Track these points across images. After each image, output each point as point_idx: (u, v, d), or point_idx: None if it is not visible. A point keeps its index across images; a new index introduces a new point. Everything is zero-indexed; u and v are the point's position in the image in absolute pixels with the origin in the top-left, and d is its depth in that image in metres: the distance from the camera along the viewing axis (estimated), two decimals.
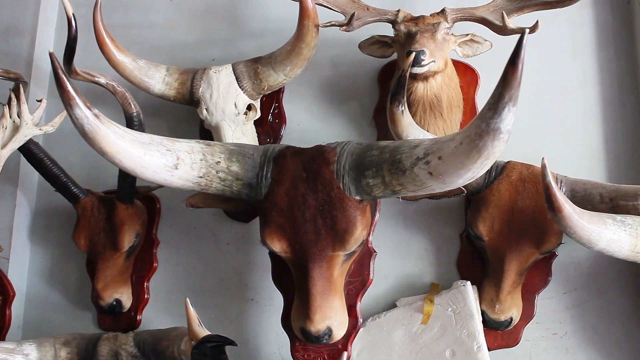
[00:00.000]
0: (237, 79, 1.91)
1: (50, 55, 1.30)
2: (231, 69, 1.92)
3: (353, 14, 1.68)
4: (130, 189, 1.94)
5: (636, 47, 1.88)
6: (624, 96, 1.90)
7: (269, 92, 1.94)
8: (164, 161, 1.46)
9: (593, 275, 1.82)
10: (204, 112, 1.92)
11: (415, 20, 1.75)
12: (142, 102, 2.03)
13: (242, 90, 1.91)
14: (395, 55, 1.88)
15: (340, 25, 1.74)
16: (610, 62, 1.93)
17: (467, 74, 1.94)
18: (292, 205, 1.51)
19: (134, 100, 1.87)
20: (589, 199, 1.63)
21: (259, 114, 1.99)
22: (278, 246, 1.55)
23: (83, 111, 1.31)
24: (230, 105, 1.90)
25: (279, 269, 1.74)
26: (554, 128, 1.96)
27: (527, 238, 1.68)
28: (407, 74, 1.51)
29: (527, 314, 1.81)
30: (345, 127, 2.07)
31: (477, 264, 1.85)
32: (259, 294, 2.02)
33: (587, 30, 1.99)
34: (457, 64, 1.91)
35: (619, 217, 1.50)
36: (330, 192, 1.49)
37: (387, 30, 1.85)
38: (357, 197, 1.48)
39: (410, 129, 1.60)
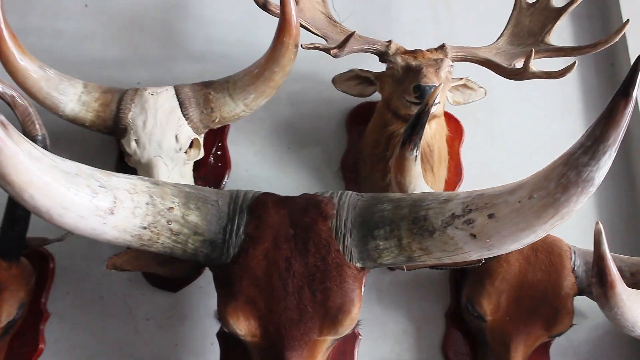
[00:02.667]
0: (180, 105, 1.49)
1: None
2: (173, 91, 1.50)
3: (351, 35, 1.36)
4: (19, 241, 1.39)
5: None
6: (613, 164, 1.76)
7: (219, 125, 1.54)
8: (96, 202, 1.02)
9: None
10: (133, 144, 1.46)
11: (413, 54, 1.49)
12: None
13: (186, 119, 1.49)
14: (375, 96, 1.60)
15: (328, 49, 1.40)
16: None
17: (450, 125, 1.69)
18: (270, 273, 1.11)
19: (40, 120, 1.37)
20: None
21: (202, 154, 1.58)
22: (244, 327, 1.12)
23: None
24: (169, 137, 1.47)
25: (235, 357, 1.29)
26: None
27: (537, 318, 1.41)
28: (431, 109, 1.20)
29: None
30: (305, 178, 1.71)
31: (467, 349, 1.54)
32: None
33: (575, 90, 1.86)
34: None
35: None
36: (326, 256, 1.11)
37: (360, 65, 1.60)
38: (359, 264, 1.13)
39: (419, 182, 1.28)
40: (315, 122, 1.78)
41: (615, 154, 0.89)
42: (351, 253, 1.11)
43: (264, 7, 1.45)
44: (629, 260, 1.44)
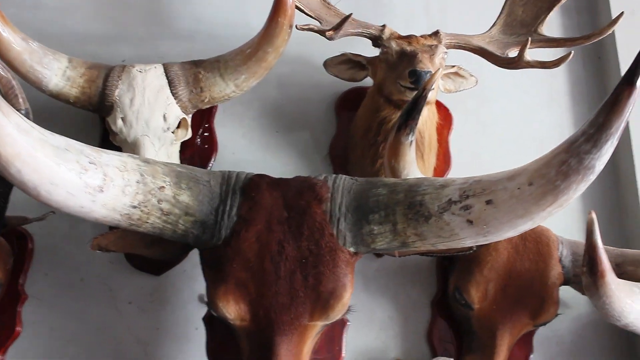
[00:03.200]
0: (170, 83, 1.45)
1: None
2: (162, 69, 1.46)
3: (347, 16, 1.34)
4: None
5: None
6: None
7: (208, 106, 1.50)
8: (86, 179, 0.99)
9: (575, 351, 1.62)
10: (119, 122, 1.42)
11: (407, 39, 1.47)
12: None
13: (175, 98, 1.45)
14: (365, 81, 1.58)
15: (323, 31, 1.38)
16: (584, 116, 1.82)
17: (440, 113, 1.68)
18: (262, 256, 1.09)
19: (23, 93, 1.31)
20: None
21: (190, 134, 1.54)
22: (234, 311, 1.09)
23: None
24: (157, 116, 1.43)
25: (222, 342, 1.27)
26: None
27: (524, 307, 1.42)
28: (428, 94, 1.19)
29: None
30: (293, 162, 1.69)
31: (452, 337, 1.55)
32: None
33: (563, 81, 1.87)
34: None
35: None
36: (319, 240, 1.09)
37: (350, 49, 1.58)
38: (352, 249, 1.11)
39: (413, 168, 1.27)
40: (304, 105, 1.75)
41: (617, 142, 0.90)
42: (345, 237, 1.10)
43: None
44: (614, 252, 1.45)
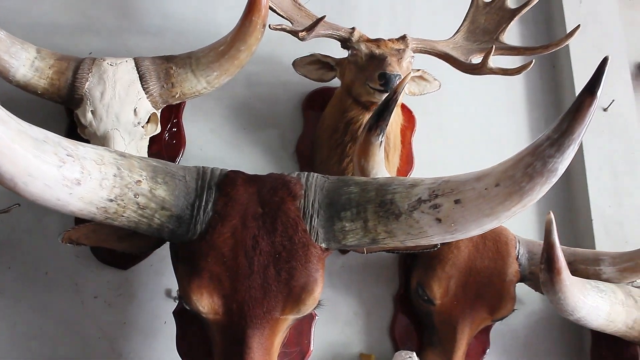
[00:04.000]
0: (141, 78, 1.45)
1: None
2: (133, 64, 1.46)
3: (320, 19, 1.37)
4: None
5: (562, 109, 1.88)
6: None
7: (178, 101, 1.51)
8: (63, 171, 0.99)
9: (529, 344, 1.70)
10: (89, 115, 1.41)
11: (376, 42, 1.51)
12: None
13: (146, 93, 1.45)
14: (332, 82, 1.62)
15: (296, 32, 1.41)
16: (539, 120, 1.90)
17: (404, 115, 1.73)
18: (237, 251, 1.11)
19: None
20: None
21: (159, 129, 1.54)
22: (207, 304, 1.11)
23: None
24: (127, 110, 1.42)
25: (192, 336, 1.28)
26: None
27: (483, 303, 1.49)
28: (399, 97, 1.23)
29: None
30: (261, 158, 1.71)
31: (413, 331, 1.60)
32: None
33: (519, 88, 1.96)
34: None
35: (592, 282, 1.40)
36: (293, 235, 1.13)
37: (318, 50, 1.62)
38: (323, 245, 1.15)
39: (381, 167, 1.32)
40: (271, 104, 1.78)
41: (577, 147, 0.96)
42: (317, 233, 1.13)
43: None
44: (567, 251, 1.53)
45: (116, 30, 1.74)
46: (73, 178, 0.99)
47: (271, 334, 1.13)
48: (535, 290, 1.66)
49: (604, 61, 0.92)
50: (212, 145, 1.71)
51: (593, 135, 1.81)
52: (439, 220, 1.07)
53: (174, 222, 1.11)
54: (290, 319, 1.16)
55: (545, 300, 1.72)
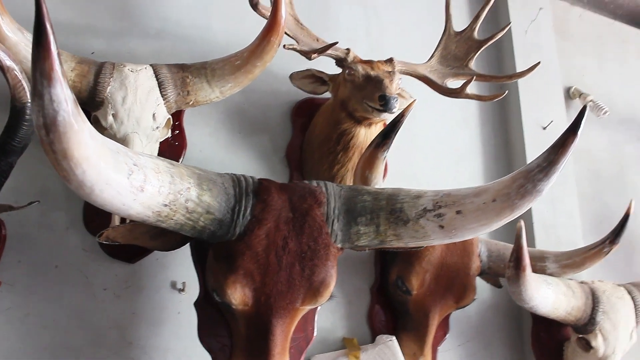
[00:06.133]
0: (159, 85, 1.54)
1: None
2: (152, 71, 1.55)
3: (333, 44, 1.54)
4: None
5: (508, 126, 2.17)
6: (500, 167, 2.16)
7: (190, 107, 1.62)
8: (132, 180, 1.10)
9: (480, 328, 1.98)
10: (110, 118, 1.49)
11: (369, 64, 1.70)
12: None
13: (163, 99, 1.55)
14: (326, 95, 1.79)
15: (307, 53, 1.57)
16: (489, 135, 2.18)
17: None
18: (269, 250, 1.27)
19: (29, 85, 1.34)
20: (502, 259, 1.78)
21: (169, 133, 1.64)
22: (239, 297, 1.27)
23: (64, 92, 0.91)
24: (147, 115, 1.52)
25: (213, 324, 1.42)
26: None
27: (450, 293, 1.74)
28: (404, 120, 1.44)
29: None
30: (254, 162, 1.85)
31: (388, 318, 1.83)
32: (146, 354, 1.59)
33: (473, 107, 2.22)
34: None
35: (542, 277, 1.68)
36: (317, 237, 1.30)
37: (306, 65, 1.73)
38: (339, 245, 1.34)
39: (380, 178, 1.53)
40: (264, 111, 1.91)
41: (559, 173, 1.21)
42: (337, 236, 1.31)
43: (255, 7, 1.56)
44: None
45: (117, 30, 1.79)
46: (138, 185, 1.09)
47: (290, 322, 1.30)
48: (487, 282, 1.95)
49: (584, 109, 1.17)
50: (211, 149, 1.82)
51: (536, 151, 2.11)
52: (441, 227, 1.28)
53: (216, 225, 1.24)
54: (306, 309, 1.33)
55: (493, 290, 2.02)
